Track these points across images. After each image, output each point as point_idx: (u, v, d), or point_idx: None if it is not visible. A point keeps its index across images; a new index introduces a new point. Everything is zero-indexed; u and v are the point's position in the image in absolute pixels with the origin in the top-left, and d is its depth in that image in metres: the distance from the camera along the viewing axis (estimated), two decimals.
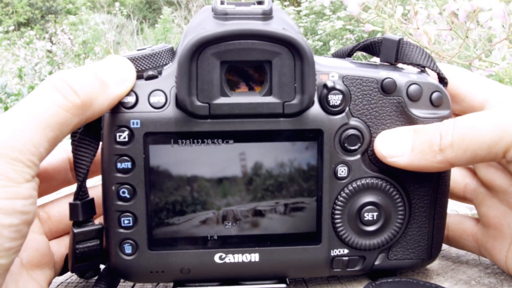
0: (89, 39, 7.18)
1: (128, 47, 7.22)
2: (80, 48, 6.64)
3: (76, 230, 0.47)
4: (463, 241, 0.55)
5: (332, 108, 0.46)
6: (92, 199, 0.48)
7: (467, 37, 0.93)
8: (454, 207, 0.72)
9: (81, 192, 0.47)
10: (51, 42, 6.28)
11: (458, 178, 0.54)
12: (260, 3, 0.45)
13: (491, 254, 0.52)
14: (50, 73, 4.76)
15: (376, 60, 0.54)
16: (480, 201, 0.52)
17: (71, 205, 0.47)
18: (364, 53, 0.56)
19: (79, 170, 0.46)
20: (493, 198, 0.51)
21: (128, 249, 0.46)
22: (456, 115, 0.50)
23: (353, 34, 5.90)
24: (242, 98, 0.44)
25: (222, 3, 0.45)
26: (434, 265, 0.55)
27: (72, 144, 0.46)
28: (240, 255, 0.47)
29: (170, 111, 0.44)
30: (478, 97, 0.50)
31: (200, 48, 0.42)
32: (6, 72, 5.10)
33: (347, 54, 0.54)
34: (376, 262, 0.50)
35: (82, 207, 0.47)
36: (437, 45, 0.96)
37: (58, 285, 0.53)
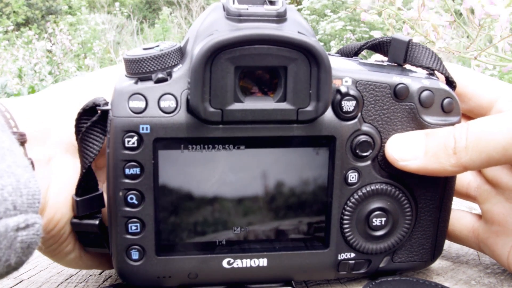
0: (88, 39, 7.17)
1: (128, 47, 7.21)
2: (80, 48, 6.63)
3: (73, 220, 0.47)
4: (463, 236, 0.55)
5: (345, 114, 0.45)
6: (96, 196, 0.47)
7: (469, 37, 0.93)
8: (453, 207, 0.72)
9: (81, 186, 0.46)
10: (50, 41, 6.27)
11: (461, 175, 0.54)
12: (272, 3, 0.43)
13: (492, 250, 0.52)
14: (50, 73, 4.76)
15: (379, 56, 0.54)
16: (484, 198, 0.52)
17: (72, 200, 0.46)
18: (365, 52, 0.56)
19: (84, 163, 0.46)
20: (498, 195, 0.51)
21: (135, 255, 0.45)
22: (463, 114, 0.50)
23: (354, 34, 5.91)
24: (255, 104, 0.43)
25: (234, 2, 0.43)
26: (434, 265, 0.55)
27: (78, 135, 0.46)
28: (248, 260, 0.47)
29: (181, 116, 0.43)
30: (487, 97, 0.50)
31: (215, 53, 0.40)
32: (5, 72, 5.10)
33: (354, 52, 0.54)
34: (381, 265, 0.50)
35: (80, 203, 0.46)
36: (441, 41, 0.95)
37: (58, 285, 0.52)
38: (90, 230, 0.47)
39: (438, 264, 0.56)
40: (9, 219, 0.33)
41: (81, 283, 0.53)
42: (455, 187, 0.52)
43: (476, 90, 0.51)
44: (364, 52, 0.56)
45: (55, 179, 0.45)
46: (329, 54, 0.49)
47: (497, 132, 0.43)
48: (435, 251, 0.51)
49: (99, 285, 0.52)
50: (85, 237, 0.48)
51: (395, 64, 0.50)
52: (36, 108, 0.47)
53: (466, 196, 0.55)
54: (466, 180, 0.54)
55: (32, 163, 0.42)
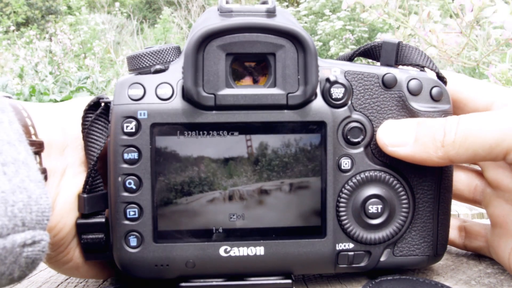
0: (88, 39, 7.18)
1: (128, 47, 7.22)
2: (80, 48, 6.64)
3: (79, 221, 0.46)
4: (478, 242, 0.56)
5: (334, 101, 0.47)
6: (101, 194, 0.47)
7: (468, 37, 0.93)
8: (454, 207, 0.72)
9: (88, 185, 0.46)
10: (51, 41, 6.28)
11: (468, 180, 0.54)
12: (264, 3, 0.47)
13: (496, 253, 0.52)
14: (51, 73, 4.76)
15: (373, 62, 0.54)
16: (487, 202, 0.53)
17: (79, 198, 0.47)
18: (363, 59, 0.57)
19: (90, 157, 0.46)
20: (499, 198, 0.51)
21: (133, 241, 0.46)
22: None
23: (353, 34, 5.90)
24: (247, 89, 0.46)
25: (227, 2, 0.46)
26: (434, 265, 0.55)
27: (83, 131, 0.47)
28: (245, 248, 0.47)
29: (177, 102, 0.45)
30: (483, 100, 0.51)
31: (206, 40, 0.44)
32: (6, 72, 5.10)
33: (348, 59, 0.55)
34: (382, 258, 0.50)
35: (88, 200, 0.46)
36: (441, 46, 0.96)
37: (58, 285, 0.53)
38: (96, 230, 0.47)
39: (438, 264, 0.56)
40: (16, 235, 0.33)
41: (81, 283, 0.53)
42: (463, 192, 0.53)
43: (472, 95, 0.51)
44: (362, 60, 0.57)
45: (65, 189, 0.46)
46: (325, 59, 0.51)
47: (485, 130, 0.44)
48: (438, 246, 0.51)
49: (99, 285, 0.52)
50: (88, 241, 0.47)
51: (388, 66, 0.51)
52: (57, 116, 0.48)
53: (473, 201, 0.55)
54: (472, 184, 0.54)
55: (45, 174, 0.42)
